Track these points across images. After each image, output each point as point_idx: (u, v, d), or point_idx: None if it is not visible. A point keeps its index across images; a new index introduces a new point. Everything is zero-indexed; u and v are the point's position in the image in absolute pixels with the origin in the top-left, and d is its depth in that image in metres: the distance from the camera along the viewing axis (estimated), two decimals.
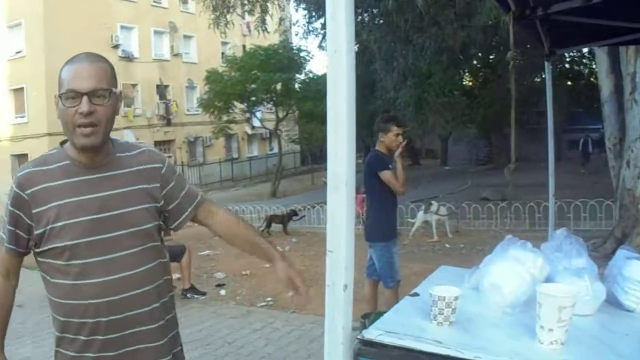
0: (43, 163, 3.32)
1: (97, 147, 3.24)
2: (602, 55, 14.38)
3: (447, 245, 17.53)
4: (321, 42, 36.91)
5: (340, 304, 2.54)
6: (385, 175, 8.83)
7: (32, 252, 3.38)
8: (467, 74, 38.28)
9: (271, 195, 40.69)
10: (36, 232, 3.22)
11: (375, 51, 23.99)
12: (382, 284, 9.25)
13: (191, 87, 55.55)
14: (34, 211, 3.20)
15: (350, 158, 2.49)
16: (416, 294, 3.35)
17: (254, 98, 41.88)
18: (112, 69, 3.35)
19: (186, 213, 3.60)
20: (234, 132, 50.80)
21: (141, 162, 3.46)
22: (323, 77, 45.13)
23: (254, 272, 14.88)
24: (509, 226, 19.44)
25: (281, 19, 29.48)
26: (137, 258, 3.30)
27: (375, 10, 22.47)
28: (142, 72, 50.86)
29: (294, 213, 22.85)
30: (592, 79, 39.48)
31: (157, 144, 50.61)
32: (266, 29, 28.64)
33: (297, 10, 30.93)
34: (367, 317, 7.51)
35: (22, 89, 45.56)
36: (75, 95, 3.12)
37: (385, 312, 7.67)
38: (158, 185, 3.46)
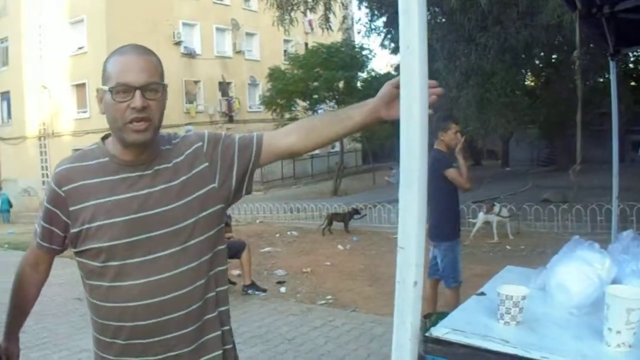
0: (82, 158, 3.19)
1: (147, 143, 3.09)
2: None
3: (507, 247, 17.44)
4: (383, 40, 36.83)
5: (410, 300, 2.48)
6: (451, 173, 8.87)
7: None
8: (529, 73, 37.91)
9: (332, 193, 40.74)
10: (72, 230, 3.11)
11: (438, 50, 23.92)
12: (443, 284, 9.24)
13: (253, 84, 55.86)
14: (70, 209, 3.09)
15: (423, 155, 2.47)
16: (483, 294, 3.34)
17: (316, 96, 41.95)
18: (160, 62, 3.16)
19: (249, 171, 3.30)
20: None
21: (181, 151, 3.24)
22: (385, 76, 45.12)
23: (314, 270, 14.97)
24: (570, 229, 19.16)
25: (344, 17, 29.37)
26: (177, 258, 3.10)
27: (437, 9, 22.39)
28: (205, 69, 51.24)
29: (355, 211, 22.86)
30: None
31: None
32: (330, 27, 28.63)
33: (359, 8, 30.87)
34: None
35: (84, 84, 45.82)
36: (126, 89, 2.95)
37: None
38: (206, 164, 3.24)
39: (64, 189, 3.08)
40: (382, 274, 14.79)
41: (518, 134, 47.38)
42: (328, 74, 39.29)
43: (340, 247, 19.24)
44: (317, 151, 60.97)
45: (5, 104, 53.91)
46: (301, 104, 43.04)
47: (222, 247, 3.33)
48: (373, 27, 37.32)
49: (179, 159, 3.20)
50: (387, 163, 47.44)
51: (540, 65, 36.21)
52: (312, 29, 59.35)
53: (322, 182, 51.12)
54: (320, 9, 27.96)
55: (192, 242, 3.13)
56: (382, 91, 3.03)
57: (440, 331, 2.78)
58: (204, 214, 3.18)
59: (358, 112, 3.15)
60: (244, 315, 10.84)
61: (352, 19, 36.57)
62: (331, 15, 28.54)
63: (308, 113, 44.19)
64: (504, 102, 28.07)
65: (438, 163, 8.98)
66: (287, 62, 45.88)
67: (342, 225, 22.40)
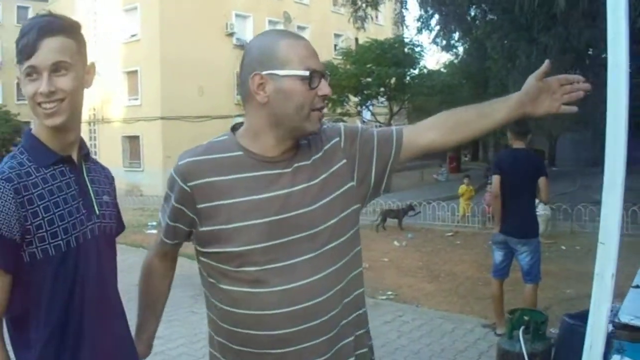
0: (210, 151, 2.97)
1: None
2: None
3: (562, 247, 17.43)
4: (435, 37, 36.77)
5: (607, 290, 2.70)
6: (545, 181, 9.06)
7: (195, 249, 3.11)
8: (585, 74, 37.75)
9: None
10: (201, 229, 2.93)
11: (489, 48, 23.85)
12: (523, 281, 9.30)
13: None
14: (199, 206, 2.89)
15: (624, 159, 2.65)
16: (637, 286, 3.43)
17: (367, 91, 41.91)
18: None
19: (388, 168, 3.14)
20: None
21: (319, 147, 3.05)
22: (436, 73, 44.97)
23: (372, 266, 14.94)
24: (625, 230, 19.00)
25: (396, 13, 29.27)
26: (317, 263, 2.88)
27: (492, 7, 22.29)
28: None
29: (410, 208, 22.80)
30: None
31: None
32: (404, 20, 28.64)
33: (405, 7, 30.84)
34: (513, 313, 7.56)
35: (136, 71, 46.37)
36: (317, 75, 2.82)
37: (531, 310, 7.71)
38: (344, 161, 3.06)
39: (190, 184, 2.89)
40: (441, 271, 14.88)
41: (568, 134, 47.22)
42: (381, 70, 39.25)
43: (396, 243, 19.21)
44: None
45: None
46: (353, 99, 43.00)
47: (359, 248, 3.13)
48: (426, 23, 37.38)
49: (317, 156, 3.02)
50: (435, 160, 47.26)
51: (599, 65, 36.02)
52: (357, 23, 59.47)
53: None
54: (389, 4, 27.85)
55: (332, 245, 2.93)
56: (526, 86, 2.94)
57: (626, 317, 2.91)
58: (343, 214, 3.00)
59: (503, 107, 3.02)
60: None
61: (402, 15, 36.40)
62: (381, 11, 28.46)
63: (357, 108, 44.27)
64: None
65: (541, 166, 9.37)
66: (338, 57, 45.78)
67: (395, 221, 22.29)
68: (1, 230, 2.68)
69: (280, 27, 54.06)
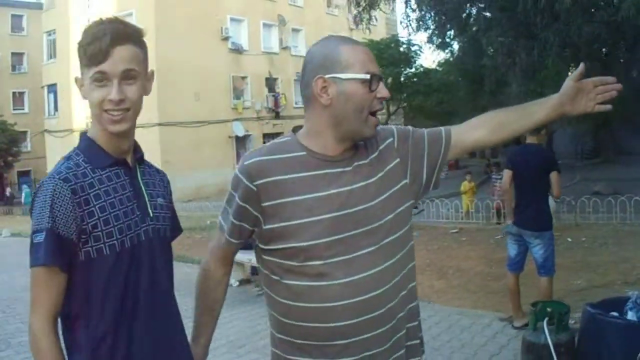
0: (274, 151, 3.06)
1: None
2: None
3: (569, 239, 17.24)
4: (431, 36, 36.80)
5: None
6: (558, 175, 9.20)
7: (256, 249, 3.17)
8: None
9: None
10: (265, 227, 3.00)
11: (485, 46, 23.91)
12: (538, 274, 9.39)
13: (299, 80, 55.79)
14: (263, 204, 2.97)
15: None
16: None
17: None
18: None
19: (438, 165, 3.28)
20: None
21: (375, 147, 3.15)
22: (433, 71, 45.07)
23: None
24: (628, 220, 19.43)
25: (388, 13, 29.34)
26: (376, 256, 2.98)
27: (490, 4, 22.34)
28: (251, 64, 51.39)
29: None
30: None
31: (266, 136, 51.23)
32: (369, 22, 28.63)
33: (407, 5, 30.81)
34: (535, 306, 7.63)
35: None
36: (376, 78, 2.93)
37: (552, 301, 7.79)
38: (398, 160, 3.18)
39: (256, 182, 2.96)
40: (449, 268, 14.97)
41: (565, 128, 47.34)
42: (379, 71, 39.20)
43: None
44: None
45: (52, 96, 54.55)
46: None
47: (412, 242, 3.22)
48: (422, 22, 37.37)
49: (374, 155, 3.13)
50: None
51: (594, 59, 36.08)
52: (356, 25, 59.48)
53: None
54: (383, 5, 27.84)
55: (389, 239, 3.04)
56: (565, 87, 3.08)
57: None
58: (398, 210, 3.11)
59: (542, 108, 3.18)
60: None
61: (408, 15, 36.30)
62: (376, 12, 28.50)
63: None
64: None
65: (553, 161, 9.43)
66: None
67: None
68: (59, 229, 2.72)
69: (275, 30, 54.24)
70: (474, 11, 26.13)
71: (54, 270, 2.77)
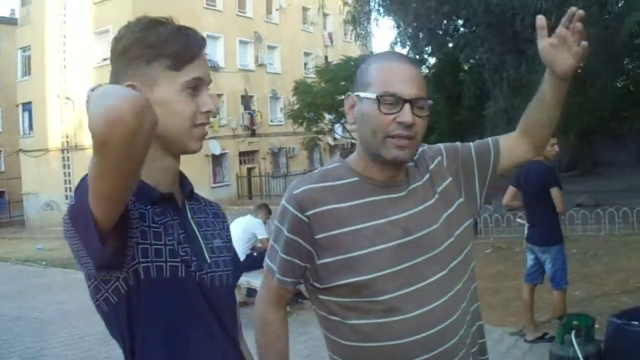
0: (325, 178, 2.88)
1: (407, 162, 2.89)
2: None
3: None
4: (408, 52, 36.94)
5: None
6: (557, 192, 9.27)
7: (309, 287, 2.96)
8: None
9: None
10: (319, 261, 2.79)
11: (484, 62, 24.00)
12: (552, 287, 9.44)
13: (275, 97, 55.97)
14: (317, 237, 2.76)
15: None
16: None
17: (342, 109, 41.75)
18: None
19: (488, 178, 3.13)
20: (317, 144, 50.96)
21: (425, 168, 3.02)
22: None
23: None
24: (617, 231, 19.64)
25: (363, 30, 29.42)
26: (445, 283, 2.82)
27: (476, 20, 22.50)
28: (228, 82, 51.11)
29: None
30: None
31: (242, 154, 51.24)
32: (361, 37, 28.86)
33: (378, 21, 30.88)
34: (561, 319, 7.68)
35: None
36: (395, 100, 2.70)
37: (578, 314, 7.84)
38: (450, 179, 3.05)
39: (307, 213, 2.76)
40: None
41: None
42: None
43: None
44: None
45: (26, 114, 53.30)
46: (327, 117, 43.08)
47: (474, 263, 3.08)
48: (398, 39, 37.57)
49: (425, 177, 3.00)
50: None
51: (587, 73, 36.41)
52: (331, 41, 59.77)
53: None
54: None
55: (454, 263, 2.89)
56: (542, 54, 2.85)
57: None
58: (458, 231, 2.96)
59: (545, 86, 2.96)
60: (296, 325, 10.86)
61: (368, 28, 36.31)
62: (350, 27, 28.79)
63: (329, 126, 44.36)
64: None
65: (553, 176, 9.46)
66: (308, 76, 46.10)
67: None
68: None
69: (251, 47, 54.26)
70: (451, 27, 26.36)
71: None
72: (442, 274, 2.81)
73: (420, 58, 33.89)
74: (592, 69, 30.86)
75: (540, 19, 2.82)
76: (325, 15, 53.53)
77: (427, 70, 43.45)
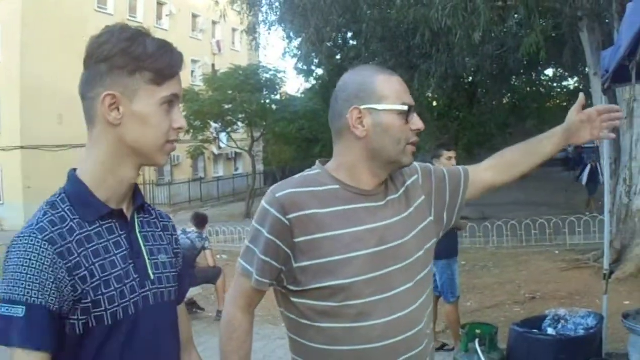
0: (306, 184, 2.96)
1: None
2: (596, 81, 15.05)
3: None
4: (297, 63, 37.08)
5: None
6: None
7: (280, 290, 3.01)
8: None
9: (245, 215, 40.29)
10: (296, 265, 2.85)
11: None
12: (443, 300, 9.64)
13: None
14: (296, 240, 2.82)
15: None
16: None
17: (229, 118, 41.86)
18: None
19: (458, 204, 3.33)
20: (202, 152, 50.51)
21: (401, 182, 3.15)
22: (298, 99, 45.43)
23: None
24: (505, 243, 20.17)
25: (254, 38, 29.39)
26: (413, 293, 2.96)
27: (373, 32, 22.71)
28: None
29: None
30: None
31: None
32: (259, 47, 28.94)
33: (269, 31, 30.97)
34: (464, 328, 7.92)
35: None
36: (412, 110, 2.92)
37: (480, 323, 8.15)
38: (423, 197, 3.19)
39: (289, 216, 2.82)
40: None
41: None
42: (244, 97, 39.19)
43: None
44: (220, 173, 60.78)
45: None
46: (213, 125, 42.94)
47: (432, 280, 3.27)
48: (287, 50, 37.65)
49: (402, 191, 3.11)
50: None
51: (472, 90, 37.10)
52: (219, 49, 59.58)
53: (229, 205, 50.29)
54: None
55: (420, 276, 3.03)
56: (569, 121, 3.25)
57: None
58: (426, 247, 3.11)
59: (548, 144, 3.33)
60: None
61: (258, 39, 36.25)
62: (237, 36, 28.86)
63: (213, 135, 44.22)
64: (437, 126, 28.85)
65: None
66: (196, 84, 45.74)
67: None
68: (38, 300, 2.22)
69: None
70: (340, 40, 26.57)
71: (42, 357, 2.23)
72: (410, 284, 2.95)
73: (308, 69, 34.13)
74: (482, 85, 31.65)
75: (582, 98, 3.24)
76: (214, 23, 53.42)
77: (315, 82, 43.80)
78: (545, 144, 3.34)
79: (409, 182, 3.16)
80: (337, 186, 2.94)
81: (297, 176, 3.07)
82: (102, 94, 2.38)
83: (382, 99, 2.89)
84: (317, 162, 3.14)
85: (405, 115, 2.90)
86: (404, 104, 2.90)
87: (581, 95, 3.25)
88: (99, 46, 2.40)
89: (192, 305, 13.43)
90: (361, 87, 2.93)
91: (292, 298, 2.94)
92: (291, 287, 2.91)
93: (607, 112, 3.22)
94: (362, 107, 2.89)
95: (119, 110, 2.39)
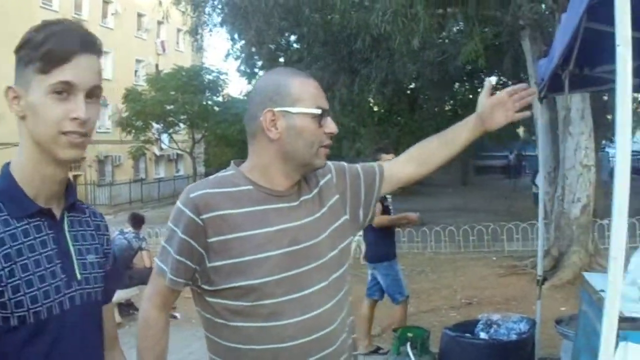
0: (219, 184, 2.94)
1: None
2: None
3: None
4: (240, 65, 36.98)
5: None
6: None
7: (196, 290, 2.99)
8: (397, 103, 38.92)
9: None
10: (210, 264, 2.84)
11: (318, 79, 24.30)
12: (391, 301, 9.75)
13: (103, 104, 54.88)
14: (209, 240, 2.81)
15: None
16: None
17: (171, 118, 41.68)
18: None
19: (373, 200, 3.35)
20: (144, 153, 50.11)
21: (315, 183, 3.14)
22: (241, 101, 45.45)
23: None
24: (443, 249, 20.31)
25: (196, 40, 29.28)
26: (327, 293, 2.96)
27: (314, 38, 22.75)
28: None
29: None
30: None
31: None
32: (202, 48, 28.90)
33: (211, 32, 30.88)
34: (396, 331, 7.97)
35: None
36: (326, 113, 2.93)
37: (413, 327, 8.20)
38: (337, 196, 3.19)
39: (203, 216, 2.81)
40: None
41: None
42: (187, 98, 39.07)
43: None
44: (161, 174, 60.38)
45: None
46: (155, 126, 42.77)
47: (349, 279, 3.21)
48: (230, 51, 37.56)
49: (316, 191, 3.12)
50: None
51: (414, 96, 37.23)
52: (163, 50, 59.29)
53: (170, 206, 49.84)
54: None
55: (335, 275, 3.03)
56: (480, 106, 3.29)
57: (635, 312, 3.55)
58: (341, 246, 3.11)
59: (463, 131, 3.37)
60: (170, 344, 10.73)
61: (200, 40, 36.07)
62: (181, 37, 28.74)
63: (155, 136, 44.06)
64: (377, 131, 28.94)
65: None
66: (139, 83, 45.61)
67: None
68: None
69: None
70: (283, 43, 26.60)
71: None
72: (325, 283, 2.94)
73: (250, 71, 34.06)
74: (424, 91, 31.84)
75: (489, 82, 3.33)
76: (159, 23, 53.11)
77: None
78: (460, 132, 3.39)
79: (322, 182, 3.17)
80: (251, 187, 2.94)
81: (211, 177, 3.08)
82: (7, 88, 2.32)
83: (296, 101, 2.89)
84: (232, 162, 3.14)
85: (319, 118, 2.90)
86: (318, 107, 2.91)
87: (487, 79, 3.36)
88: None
89: (129, 306, 13.27)
90: (276, 90, 2.93)
91: (207, 297, 2.94)
92: (205, 287, 2.91)
93: (516, 92, 3.26)
94: (276, 109, 2.89)
95: (19, 103, 2.30)
